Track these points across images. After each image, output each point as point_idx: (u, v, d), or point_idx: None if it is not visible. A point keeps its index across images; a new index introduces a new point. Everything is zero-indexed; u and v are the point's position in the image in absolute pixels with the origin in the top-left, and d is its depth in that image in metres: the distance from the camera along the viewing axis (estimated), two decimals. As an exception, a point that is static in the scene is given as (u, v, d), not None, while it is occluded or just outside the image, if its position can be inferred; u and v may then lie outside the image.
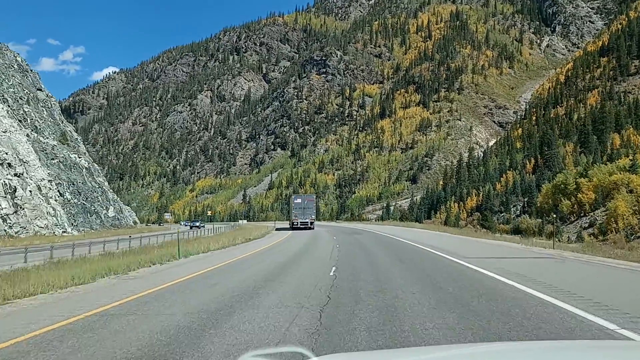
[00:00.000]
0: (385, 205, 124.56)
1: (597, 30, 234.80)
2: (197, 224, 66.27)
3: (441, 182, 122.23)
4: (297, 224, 56.55)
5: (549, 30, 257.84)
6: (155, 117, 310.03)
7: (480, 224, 64.04)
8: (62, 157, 51.82)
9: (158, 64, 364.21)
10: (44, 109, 56.76)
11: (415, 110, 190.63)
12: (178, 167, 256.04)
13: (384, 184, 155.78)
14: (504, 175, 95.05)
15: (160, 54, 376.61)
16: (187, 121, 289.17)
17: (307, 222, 56.76)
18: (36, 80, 59.38)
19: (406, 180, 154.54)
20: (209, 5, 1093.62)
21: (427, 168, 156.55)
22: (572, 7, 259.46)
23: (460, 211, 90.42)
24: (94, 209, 53.58)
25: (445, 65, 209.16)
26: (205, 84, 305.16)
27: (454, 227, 64.81)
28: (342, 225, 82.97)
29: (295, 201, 60.17)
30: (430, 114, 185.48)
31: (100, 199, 56.44)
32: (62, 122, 62.08)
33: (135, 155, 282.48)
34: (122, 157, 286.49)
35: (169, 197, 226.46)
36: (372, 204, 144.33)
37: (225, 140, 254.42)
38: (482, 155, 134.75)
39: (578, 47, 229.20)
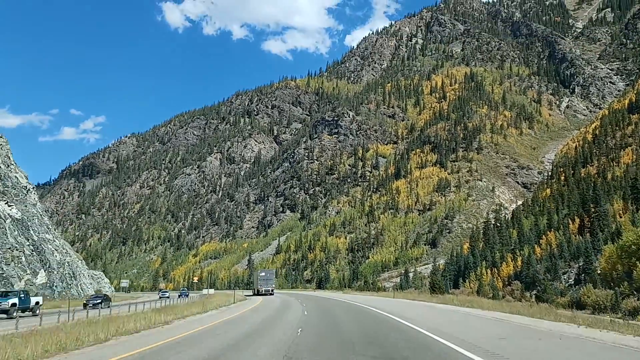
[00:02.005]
0: (403, 271, 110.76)
1: (618, 91, 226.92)
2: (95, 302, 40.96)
3: (466, 246, 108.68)
4: (261, 291, 72.73)
5: (568, 92, 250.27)
6: (164, 180, 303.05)
7: (536, 297, 50.69)
8: (-30, 202, 40.70)
9: (169, 127, 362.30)
10: (-25, 148, 46.63)
11: (432, 171, 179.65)
12: (183, 231, 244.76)
13: (400, 248, 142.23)
14: (543, 236, 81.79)
15: (172, 117, 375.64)
16: (195, 184, 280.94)
17: (269, 289, 73.57)
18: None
19: (425, 244, 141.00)
20: (223, 73, 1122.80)
21: (448, 231, 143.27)
22: (591, 69, 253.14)
23: (495, 279, 76.78)
24: (1, 273, 40.94)
25: (462, 125, 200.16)
26: (215, 146, 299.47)
27: (493, 300, 51.53)
28: (349, 298, 58.45)
29: (260, 274, 79.07)
30: (449, 174, 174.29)
31: (25, 260, 44.18)
32: (8, 165, 51.61)
33: (140, 219, 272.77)
34: (127, 221, 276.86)
35: (170, 263, 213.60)
36: (387, 270, 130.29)
37: (232, 202, 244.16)
38: (510, 216, 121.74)
39: (600, 108, 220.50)
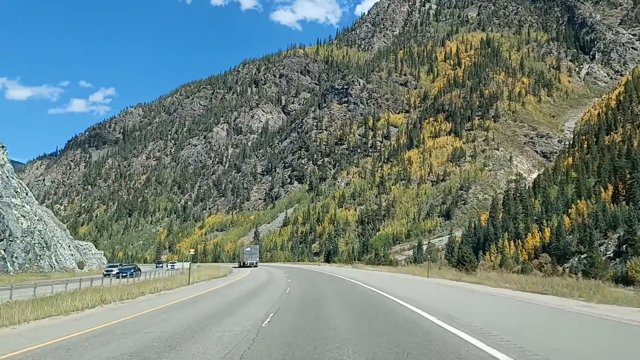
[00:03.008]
0: (416, 244, 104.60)
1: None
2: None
3: (484, 217, 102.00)
4: (246, 264, 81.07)
5: (588, 58, 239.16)
6: (170, 151, 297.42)
7: (582, 272, 44.08)
8: None
9: (176, 97, 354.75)
10: None
11: (447, 140, 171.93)
12: (189, 203, 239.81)
13: (412, 220, 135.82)
14: (572, 206, 74.80)
15: (179, 87, 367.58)
16: (202, 155, 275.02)
17: (254, 262, 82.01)
18: None
19: (438, 216, 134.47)
20: (230, 44, 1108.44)
21: (463, 202, 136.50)
22: (612, 34, 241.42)
23: (519, 252, 70.36)
24: None
25: (478, 92, 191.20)
26: (222, 116, 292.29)
27: (522, 275, 45.02)
28: (362, 277, 40.73)
29: (246, 249, 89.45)
30: (464, 143, 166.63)
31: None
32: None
33: (146, 191, 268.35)
34: (133, 192, 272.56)
35: (176, 235, 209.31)
36: (399, 243, 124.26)
37: (239, 174, 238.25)
38: (530, 186, 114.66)
39: (621, 74, 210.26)
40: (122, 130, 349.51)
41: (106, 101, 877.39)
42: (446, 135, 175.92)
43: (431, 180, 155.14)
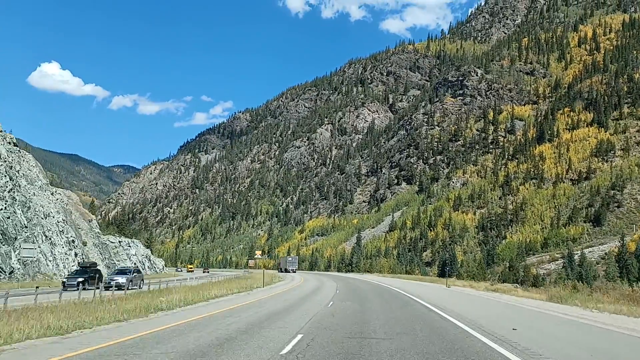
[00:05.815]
0: (561, 255, 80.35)
1: None
2: None
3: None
4: (289, 270, 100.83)
5: None
6: (274, 154, 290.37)
7: None
8: None
9: (281, 101, 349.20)
10: None
11: (588, 131, 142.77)
12: (291, 206, 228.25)
13: (550, 226, 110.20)
14: None
15: (284, 91, 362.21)
16: (305, 157, 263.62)
17: (293, 268, 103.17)
18: None
19: (585, 222, 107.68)
20: (340, 56, 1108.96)
21: (616, 205, 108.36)
22: None
23: None
24: None
25: (626, 77, 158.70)
26: (326, 117, 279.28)
27: None
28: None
29: (288, 259, 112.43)
30: (611, 134, 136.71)
31: None
32: None
33: (249, 194, 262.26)
34: (237, 195, 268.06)
35: (276, 239, 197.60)
36: (534, 254, 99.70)
37: (343, 175, 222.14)
38: None
39: None
40: (229, 135, 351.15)
41: (224, 113, 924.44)
42: (587, 126, 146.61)
43: (571, 179, 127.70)
